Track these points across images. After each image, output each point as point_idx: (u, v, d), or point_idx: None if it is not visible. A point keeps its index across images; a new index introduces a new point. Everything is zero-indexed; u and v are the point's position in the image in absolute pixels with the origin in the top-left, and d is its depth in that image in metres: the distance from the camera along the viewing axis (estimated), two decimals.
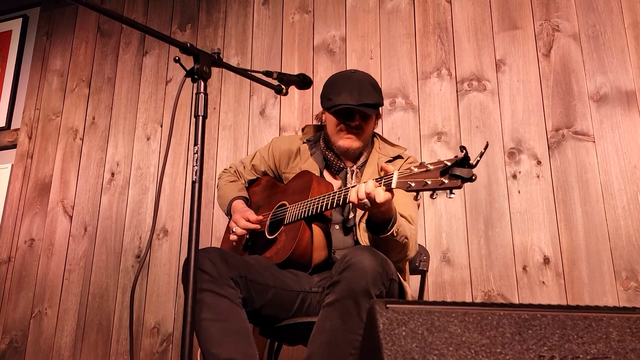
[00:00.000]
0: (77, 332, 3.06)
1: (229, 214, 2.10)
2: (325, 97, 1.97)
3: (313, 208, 1.76)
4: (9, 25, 3.86)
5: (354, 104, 1.86)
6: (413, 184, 1.41)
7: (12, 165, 3.57)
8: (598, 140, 2.42)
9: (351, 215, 1.90)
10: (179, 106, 3.24)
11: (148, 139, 3.27)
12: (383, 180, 1.52)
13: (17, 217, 3.42)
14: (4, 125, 3.65)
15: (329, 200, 1.72)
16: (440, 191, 1.37)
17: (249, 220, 1.94)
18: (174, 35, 3.35)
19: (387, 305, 0.96)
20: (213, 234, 2.93)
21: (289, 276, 1.79)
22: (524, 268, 2.37)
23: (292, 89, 1.87)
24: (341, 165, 1.99)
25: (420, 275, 2.10)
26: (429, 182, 1.37)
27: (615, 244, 2.28)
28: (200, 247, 1.42)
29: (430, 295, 2.47)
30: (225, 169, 2.29)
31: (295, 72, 1.92)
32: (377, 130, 2.50)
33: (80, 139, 3.44)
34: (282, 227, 1.89)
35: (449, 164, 1.35)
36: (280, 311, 1.75)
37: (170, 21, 3.44)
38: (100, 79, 3.52)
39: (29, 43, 3.82)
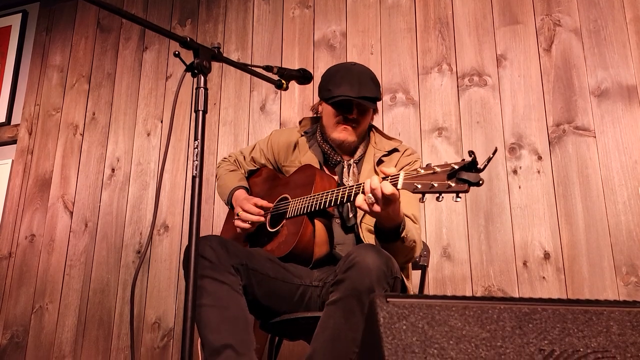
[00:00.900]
0: (78, 327, 3.06)
1: (229, 203, 2.09)
2: (324, 88, 1.95)
3: (316, 204, 1.76)
4: (9, 21, 3.85)
5: (354, 96, 1.85)
6: (419, 186, 1.40)
7: (13, 161, 3.57)
8: (599, 135, 2.42)
9: (351, 214, 1.89)
10: (179, 102, 3.23)
11: (148, 134, 3.26)
12: (389, 181, 1.51)
13: (18, 213, 3.42)
14: (4, 120, 3.65)
15: (332, 196, 1.72)
16: (446, 194, 1.37)
17: (256, 205, 1.92)
18: (174, 30, 3.34)
19: (388, 299, 0.96)
20: (213, 229, 2.93)
21: (289, 269, 1.79)
22: (525, 263, 2.37)
23: (293, 84, 1.87)
24: (338, 159, 1.98)
25: (420, 271, 2.10)
26: (436, 185, 1.37)
27: (616, 239, 2.28)
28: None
29: (430, 290, 2.47)
30: (225, 158, 2.27)
31: (296, 67, 1.91)
32: (377, 126, 2.50)
33: (81, 134, 3.44)
34: (284, 221, 1.88)
35: (456, 167, 1.34)
36: (280, 303, 1.75)
37: (170, 16, 3.43)
38: (100, 74, 3.51)
39: (28, 38, 3.81)
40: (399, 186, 1.47)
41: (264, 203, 1.93)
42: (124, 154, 3.29)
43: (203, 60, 1.45)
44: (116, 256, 3.12)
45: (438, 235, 2.52)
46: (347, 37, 2.97)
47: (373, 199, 1.51)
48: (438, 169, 1.39)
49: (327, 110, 1.97)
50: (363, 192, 1.55)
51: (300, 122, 2.19)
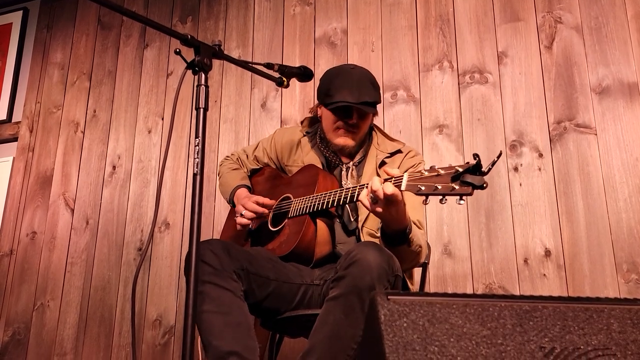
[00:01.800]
0: (80, 324, 3.07)
1: (231, 202, 2.09)
2: (323, 92, 1.93)
3: (319, 204, 1.76)
4: (10, 18, 3.85)
5: (354, 102, 1.84)
6: (423, 188, 1.40)
7: (14, 158, 3.57)
8: (600, 132, 2.41)
9: (352, 218, 1.88)
10: (180, 99, 3.23)
11: (149, 132, 3.26)
12: (392, 182, 1.51)
13: (19, 210, 3.43)
14: (5, 118, 3.65)
15: (335, 196, 1.71)
16: (449, 197, 1.37)
17: (257, 203, 1.92)
18: (174, 28, 3.34)
19: (389, 297, 0.96)
20: (214, 227, 2.94)
21: (290, 269, 1.79)
22: (525, 261, 2.37)
23: (294, 82, 1.87)
24: (336, 162, 1.98)
25: (421, 268, 2.10)
26: (440, 187, 1.36)
27: (617, 236, 2.28)
28: (202, 240, 1.42)
29: (431, 288, 2.47)
30: (227, 156, 2.27)
31: (297, 65, 1.91)
32: (379, 124, 2.50)
33: (82, 132, 3.44)
34: (286, 220, 1.88)
35: (460, 170, 1.34)
36: (282, 303, 1.75)
37: (171, 13, 3.43)
38: (101, 72, 3.51)
39: (29, 36, 3.81)
40: (403, 188, 1.46)
41: (266, 201, 1.93)
42: (125, 152, 3.29)
43: (204, 57, 1.45)
44: (117, 253, 3.12)
45: (439, 232, 2.52)
46: (348, 35, 2.97)
47: (374, 199, 1.52)
48: (442, 172, 1.38)
49: (326, 114, 1.95)
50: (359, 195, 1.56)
51: (302, 122, 2.18)
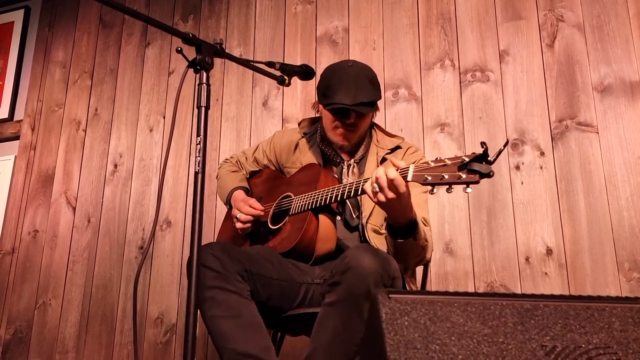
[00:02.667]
0: (81, 322, 3.07)
1: (228, 204, 2.09)
2: (321, 91, 1.92)
3: (321, 199, 1.76)
4: (11, 17, 3.86)
5: (350, 103, 1.82)
6: (429, 178, 1.40)
7: (15, 156, 3.57)
8: (602, 131, 2.41)
9: (355, 214, 1.88)
10: (182, 98, 3.23)
11: (151, 130, 3.27)
12: (398, 173, 1.51)
13: (21, 209, 3.43)
14: (6, 116, 3.65)
15: (338, 191, 1.71)
16: (456, 185, 1.37)
17: (251, 206, 1.93)
18: (176, 26, 3.34)
19: (390, 296, 0.96)
20: (216, 226, 2.94)
21: (291, 268, 1.79)
22: (527, 259, 2.37)
23: (295, 80, 1.87)
24: (337, 160, 1.98)
25: (422, 267, 2.10)
26: (446, 176, 1.37)
27: (619, 235, 2.28)
28: (203, 239, 1.42)
29: (432, 286, 2.47)
30: (227, 159, 2.28)
31: (298, 63, 1.91)
32: (380, 122, 2.50)
33: (83, 130, 3.44)
34: (287, 218, 1.88)
35: (467, 159, 1.34)
36: (284, 302, 1.76)
37: (173, 12, 3.43)
38: (102, 70, 3.52)
39: (31, 34, 3.81)
40: (409, 178, 1.46)
41: (260, 207, 1.94)
42: (126, 150, 3.29)
43: (205, 56, 1.45)
44: (119, 252, 3.12)
45: (440, 231, 2.52)
46: (349, 33, 2.97)
47: (377, 187, 1.51)
48: (448, 161, 1.39)
49: (325, 114, 1.96)
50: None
51: (299, 124, 2.18)
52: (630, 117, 2.38)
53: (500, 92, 2.60)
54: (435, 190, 1.41)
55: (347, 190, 1.68)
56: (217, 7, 3.33)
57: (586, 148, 2.41)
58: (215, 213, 2.97)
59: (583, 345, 0.94)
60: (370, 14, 2.95)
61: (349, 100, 1.83)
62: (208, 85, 1.45)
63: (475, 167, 1.33)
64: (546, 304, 0.98)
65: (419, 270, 2.09)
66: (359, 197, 1.87)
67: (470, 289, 2.41)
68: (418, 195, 1.87)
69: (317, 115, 2.09)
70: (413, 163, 1.51)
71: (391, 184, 1.48)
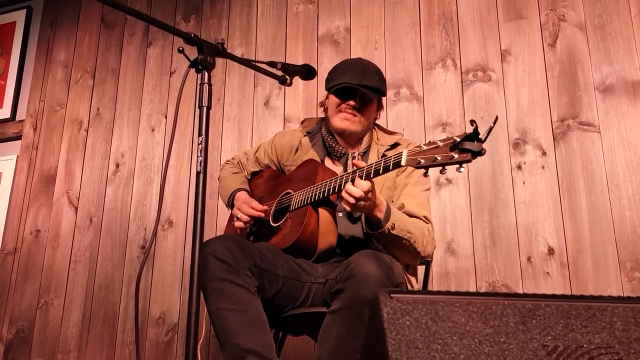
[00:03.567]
0: (83, 322, 3.08)
1: (230, 205, 2.10)
2: (328, 79, 1.99)
3: (319, 192, 1.76)
4: (13, 17, 3.86)
5: (356, 83, 1.88)
6: (422, 161, 1.42)
7: (17, 156, 3.58)
8: (603, 130, 2.41)
9: None
10: (184, 97, 3.23)
11: (152, 130, 3.27)
12: (392, 160, 1.52)
13: (23, 209, 3.44)
14: (8, 116, 3.66)
15: (335, 183, 1.72)
16: (449, 166, 1.37)
17: (252, 208, 1.94)
18: (177, 26, 3.34)
19: (391, 295, 0.96)
20: (217, 225, 2.94)
21: (295, 266, 1.80)
22: (529, 259, 2.37)
23: (297, 80, 1.87)
24: (343, 152, 1.99)
25: (424, 266, 2.10)
26: (439, 158, 1.38)
27: (620, 234, 2.28)
28: (204, 239, 1.42)
29: (434, 285, 2.47)
30: (228, 161, 2.28)
31: (300, 63, 1.91)
32: (381, 121, 2.50)
33: (85, 130, 3.45)
34: (288, 214, 1.89)
35: (458, 139, 1.36)
36: (288, 301, 1.76)
37: (174, 12, 3.43)
38: (104, 70, 3.52)
39: (33, 34, 3.82)
40: (403, 162, 1.48)
41: (261, 208, 1.94)
42: (128, 150, 3.29)
43: (207, 56, 1.45)
44: (121, 251, 3.13)
45: (442, 230, 2.52)
46: (351, 33, 2.97)
47: (359, 201, 1.61)
48: (440, 143, 1.41)
49: (331, 100, 1.99)
50: (360, 177, 1.62)
51: (302, 123, 2.19)
52: (632, 117, 2.38)
53: (502, 92, 2.60)
54: (428, 173, 1.42)
55: (344, 182, 1.69)
56: (219, 7, 3.33)
57: (588, 148, 2.41)
58: (216, 213, 2.97)
59: (585, 345, 0.94)
60: (372, 14, 2.95)
61: (354, 80, 1.89)
62: (210, 85, 1.45)
63: (467, 146, 1.34)
64: (548, 304, 0.98)
65: (421, 269, 2.09)
66: None
67: (472, 289, 2.41)
68: (419, 194, 1.88)
69: (324, 114, 2.09)
70: (406, 148, 1.54)
71: (357, 198, 1.59)
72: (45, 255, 3.28)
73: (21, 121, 3.65)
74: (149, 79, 3.37)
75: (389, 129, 2.42)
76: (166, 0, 3.48)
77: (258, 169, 2.20)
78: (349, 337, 1.49)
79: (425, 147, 1.43)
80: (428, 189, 1.94)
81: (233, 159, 2.28)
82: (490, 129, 1.31)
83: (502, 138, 2.54)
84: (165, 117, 3.26)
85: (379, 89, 1.94)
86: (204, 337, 1.65)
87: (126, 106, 3.38)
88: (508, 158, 2.51)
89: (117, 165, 3.29)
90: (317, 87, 2.92)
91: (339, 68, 1.98)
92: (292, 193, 1.92)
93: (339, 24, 3.00)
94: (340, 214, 1.88)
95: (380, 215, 1.68)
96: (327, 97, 2.05)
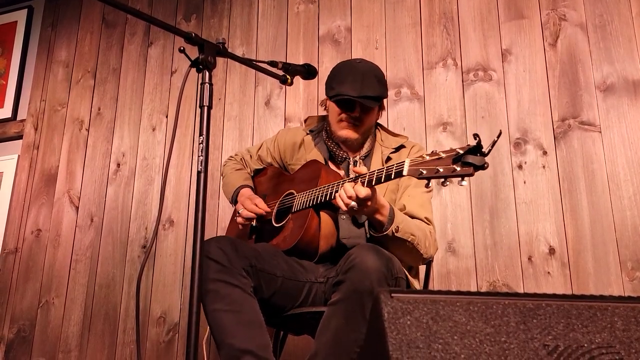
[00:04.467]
0: (84, 321, 3.08)
1: (233, 201, 2.10)
2: (329, 85, 1.96)
3: (322, 196, 1.76)
4: (14, 17, 3.86)
5: (355, 95, 1.85)
6: (425, 172, 1.41)
7: (18, 156, 3.58)
8: (604, 130, 2.41)
9: None
10: (184, 97, 3.23)
11: (153, 129, 3.27)
12: (394, 169, 1.52)
13: (24, 208, 3.44)
14: (9, 116, 3.66)
15: (338, 188, 1.72)
16: (451, 179, 1.37)
17: (255, 205, 1.94)
18: (179, 26, 3.34)
19: (392, 295, 0.96)
20: (218, 225, 2.94)
21: (296, 266, 1.79)
22: (530, 258, 2.37)
23: (297, 79, 1.87)
24: (344, 156, 1.99)
25: (425, 266, 2.10)
26: (441, 170, 1.37)
27: (621, 234, 2.28)
28: (206, 238, 1.42)
29: (435, 285, 2.47)
30: (231, 157, 2.28)
31: (301, 62, 1.91)
32: (382, 121, 2.50)
33: (86, 129, 3.45)
34: (290, 215, 1.89)
35: (461, 151, 1.35)
36: (287, 301, 1.76)
37: (175, 11, 3.43)
38: (105, 69, 3.52)
39: (34, 34, 3.82)
40: (405, 172, 1.48)
41: (264, 206, 1.95)
42: (129, 149, 3.30)
43: (208, 55, 1.45)
44: (122, 251, 3.13)
45: (443, 230, 2.52)
46: (351, 32, 2.97)
47: (355, 205, 1.61)
48: (443, 155, 1.40)
49: (332, 108, 1.98)
50: (363, 184, 1.60)
51: (305, 121, 2.19)
52: (633, 116, 2.38)
53: (502, 92, 2.60)
54: (431, 184, 1.42)
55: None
56: (220, 7, 3.33)
57: (589, 147, 2.41)
58: (217, 212, 2.97)
59: (585, 345, 0.94)
60: (373, 14, 2.95)
61: (354, 92, 1.85)
62: (210, 84, 1.45)
63: (470, 160, 1.33)
64: (549, 304, 0.98)
65: (422, 269, 2.09)
66: None
67: (473, 288, 2.41)
68: (421, 195, 1.88)
69: (325, 112, 2.09)
70: (410, 151, 1.53)
71: (363, 196, 1.58)
72: (46, 255, 3.29)
73: (22, 121, 3.65)
74: (150, 78, 3.37)
75: (390, 128, 2.42)
76: (167, 0, 3.49)
77: (261, 167, 2.20)
78: (349, 328, 1.48)
79: (427, 158, 1.43)
80: (430, 191, 1.94)
81: (236, 155, 2.28)
82: (494, 142, 1.31)
83: (502, 138, 2.53)
84: (166, 117, 3.26)
85: (380, 97, 1.92)
86: (208, 331, 1.64)
87: (127, 106, 3.38)
88: (509, 158, 2.51)
89: (118, 165, 3.29)
90: (318, 87, 2.92)
91: (339, 75, 1.93)
92: (295, 194, 1.92)
93: (340, 24, 3.00)
94: (344, 217, 1.88)
95: (384, 218, 1.68)
96: (327, 99, 2.04)
